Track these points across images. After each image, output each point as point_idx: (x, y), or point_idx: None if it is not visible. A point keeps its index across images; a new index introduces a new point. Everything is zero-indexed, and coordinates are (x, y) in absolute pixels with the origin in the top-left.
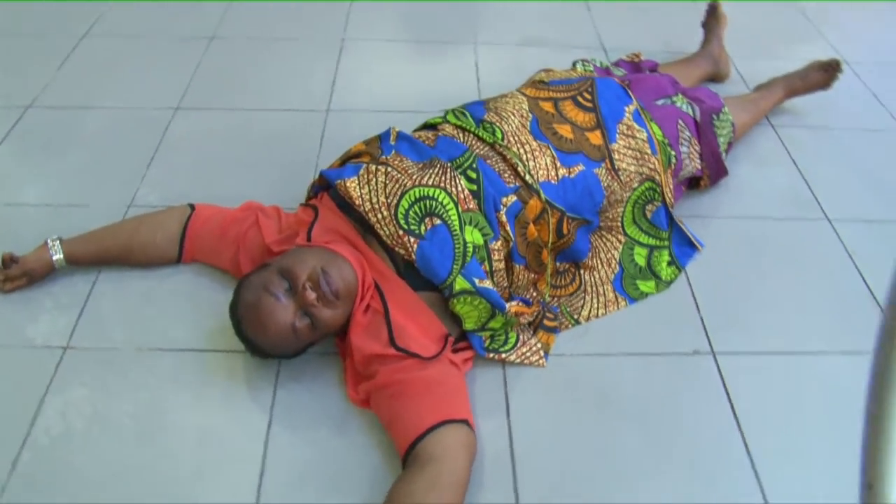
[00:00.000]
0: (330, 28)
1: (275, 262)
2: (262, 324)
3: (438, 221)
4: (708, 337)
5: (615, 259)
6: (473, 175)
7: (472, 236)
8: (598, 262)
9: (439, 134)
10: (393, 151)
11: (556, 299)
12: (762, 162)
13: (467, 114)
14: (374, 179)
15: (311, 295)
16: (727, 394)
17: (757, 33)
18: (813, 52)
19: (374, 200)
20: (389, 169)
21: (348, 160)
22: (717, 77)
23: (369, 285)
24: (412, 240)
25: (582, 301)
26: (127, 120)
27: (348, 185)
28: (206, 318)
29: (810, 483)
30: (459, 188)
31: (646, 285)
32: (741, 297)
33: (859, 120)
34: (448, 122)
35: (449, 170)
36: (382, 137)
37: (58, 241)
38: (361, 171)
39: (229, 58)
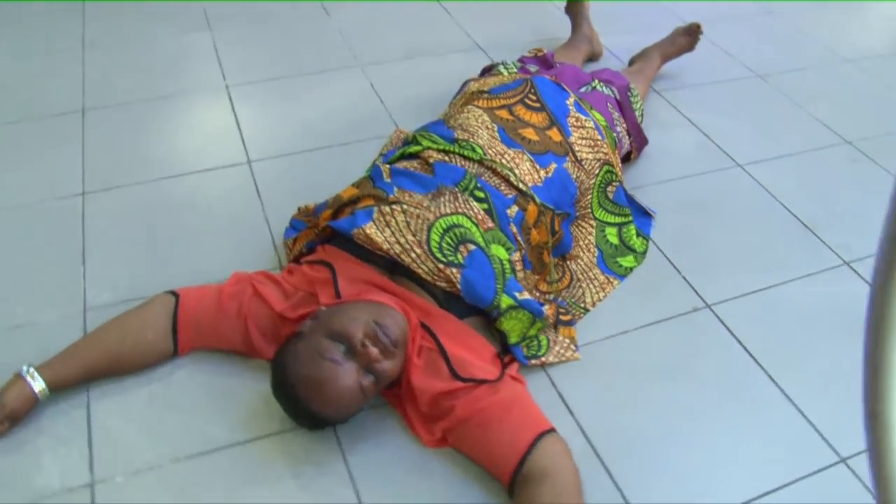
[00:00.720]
0: (206, 77)
1: (315, 328)
2: (327, 393)
3: (472, 247)
4: (697, 293)
5: (592, 243)
6: (481, 195)
7: (500, 253)
8: (580, 249)
9: (432, 161)
10: (395, 188)
11: (558, 294)
12: (664, 127)
13: (435, 136)
14: (393, 220)
15: (374, 350)
16: (734, 336)
17: (610, 10)
18: (663, 21)
19: (403, 241)
20: (404, 206)
21: (343, 207)
22: (594, 56)
23: (416, 326)
24: (454, 270)
25: (581, 290)
26: (30, 217)
27: (368, 232)
28: (231, 407)
29: (833, 389)
30: (475, 210)
31: (626, 260)
32: (705, 251)
33: (719, 73)
34: (429, 148)
35: (459, 195)
36: (373, 177)
37: (33, 370)
38: (376, 216)
39: (113, 127)
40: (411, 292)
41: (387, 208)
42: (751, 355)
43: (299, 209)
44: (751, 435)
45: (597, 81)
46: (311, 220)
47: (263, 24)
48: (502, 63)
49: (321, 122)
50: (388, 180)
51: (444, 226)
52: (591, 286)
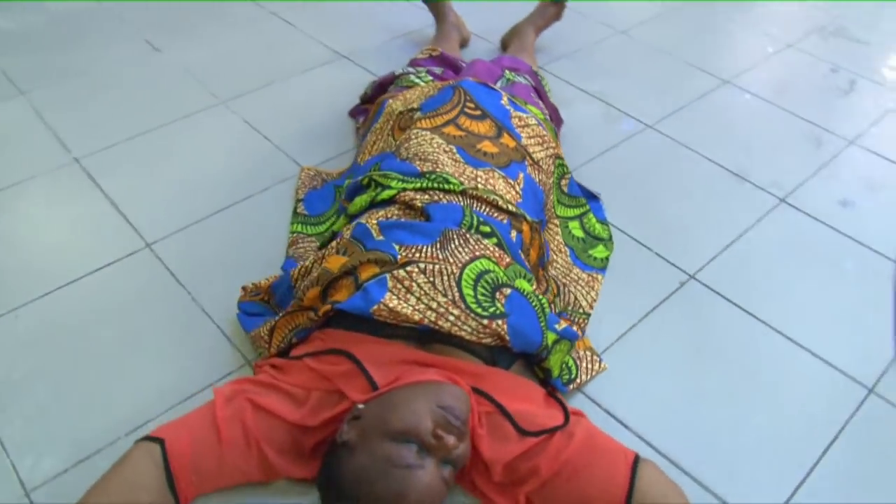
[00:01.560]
0: (46, 154)
1: (366, 432)
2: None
3: (508, 290)
4: (677, 266)
5: (562, 243)
6: (487, 229)
7: (526, 287)
8: (553, 253)
9: (420, 204)
10: (396, 246)
11: (564, 308)
12: (564, 102)
13: (397, 174)
14: (414, 284)
15: (451, 439)
16: (727, 300)
17: None
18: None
19: (434, 305)
20: (421, 265)
21: (334, 282)
22: (463, 43)
23: (469, 393)
24: (500, 322)
25: (571, 295)
26: None
27: (390, 305)
28: None
29: (833, 323)
30: (490, 248)
31: (597, 251)
32: (661, 221)
33: (585, 36)
34: (405, 189)
35: (468, 235)
36: (359, 238)
37: None
38: (391, 284)
39: None
40: (453, 357)
41: (401, 273)
42: (749, 314)
43: (245, 289)
44: (788, 395)
45: (508, 72)
46: (296, 304)
47: (84, 75)
48: (407, 72)
49: (212, 178)
50: (382, 238)
51: (473, 275)
52: (578, 288)
